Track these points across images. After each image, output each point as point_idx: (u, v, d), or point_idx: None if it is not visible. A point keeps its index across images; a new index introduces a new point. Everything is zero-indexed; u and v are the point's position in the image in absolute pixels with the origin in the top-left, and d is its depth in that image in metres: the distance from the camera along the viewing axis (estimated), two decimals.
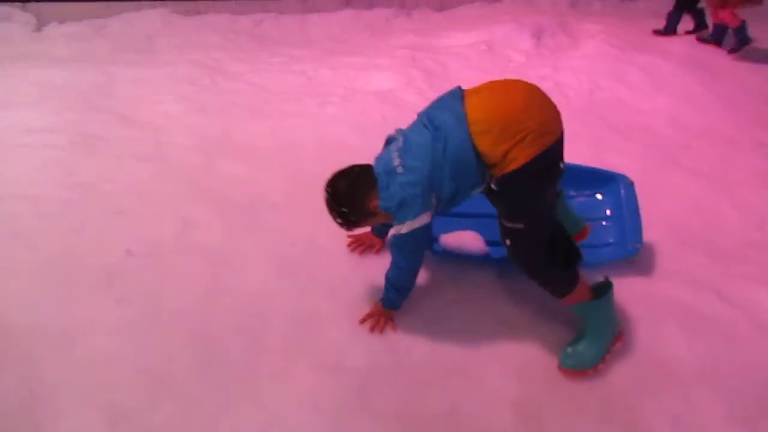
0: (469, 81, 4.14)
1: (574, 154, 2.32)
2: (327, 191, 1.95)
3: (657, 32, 5.64)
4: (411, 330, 2.11)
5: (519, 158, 1.72)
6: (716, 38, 5.32)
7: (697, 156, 3.39)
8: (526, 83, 1.84)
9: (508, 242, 1.86)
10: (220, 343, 2.01)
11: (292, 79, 4.22)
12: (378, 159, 1.95)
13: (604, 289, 2.02)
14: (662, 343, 2.13)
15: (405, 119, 3.41)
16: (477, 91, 1.85)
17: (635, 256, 2.45)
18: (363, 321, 2.14)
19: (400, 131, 1.95)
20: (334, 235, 2.52)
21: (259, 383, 1.88)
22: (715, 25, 5.32)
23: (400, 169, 1.82)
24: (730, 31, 5.17)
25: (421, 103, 3.76)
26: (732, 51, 5.10)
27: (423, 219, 1.85)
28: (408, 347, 2.05)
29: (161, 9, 5.28)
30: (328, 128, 3.47)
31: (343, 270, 2.37)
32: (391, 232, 1.93)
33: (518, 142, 1.72)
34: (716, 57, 5.02)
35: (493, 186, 1.85)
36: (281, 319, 2.13)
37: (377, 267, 2.33)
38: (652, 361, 2.05)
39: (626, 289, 2.28)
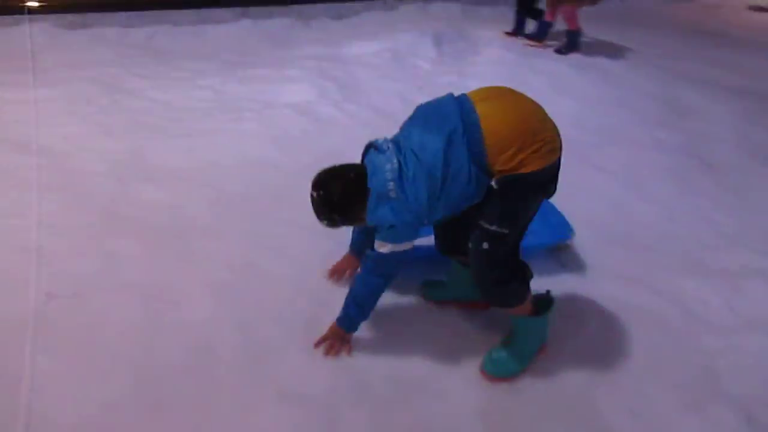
0: (381, 90, 4.21)
1: None
2: (318, 193, 1.82)
3: (507, 33, 5.86)
4: (369, 350, 2.07)
5: (530, 165, 1.72)
6: (539, 35, 5.61)
7: (606, 156, 3.58)
8: (524, 95, 1.85)
9: (485, 246, 1.81)
10: (168, 384, 1.88)
11: (200, 94, 4.05)
12: (371, 173, 1.79)
13: (545, 305, 2.06)
14: (607, 339, 2.21)
15: (325, 132, 3.38)
16: (484, 108, 1.75)
17: (570, 239, 2.56)
18: (318, 345, 2.07)
19: (388, 143, 1.82)
20: (271, 256, 2.44)
21: (218, 423, 1.77)
22: (540, 22, 5.60)
23: (392, 194, 1.74)
24: (564, 31, 5.48)
25: (339, 116, 3.79)
26: (558, 51, 5.40)
27: (406, 246, 1.82)
28: (368, 368, 2.01)
29: (42, 23, 4.91)
30: (247, 145, 3.36)
31: (287, 292, 2.29)
32: (375, 245, 1.86)
33: (534, 152, 1.72)
34: (611, 62, 5.31)
35: (494, 184, 1.77)
36: (231, 352, 2.02)
37: (323, 286, 2.27)
38: (601, 359, 2.12)
39: (561, 289, 2.35)
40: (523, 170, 1.73)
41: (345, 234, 2.24)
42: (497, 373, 2.00)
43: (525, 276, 1.97)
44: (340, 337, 2.05)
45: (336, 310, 2.02)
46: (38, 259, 2.31)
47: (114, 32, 5.06)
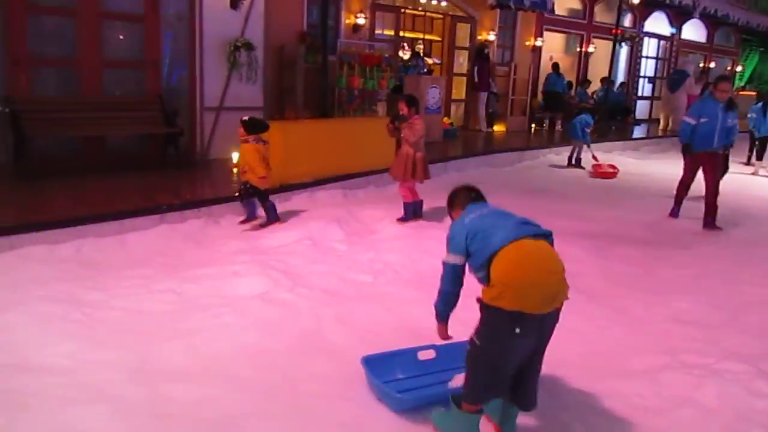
0: (320, 274, 4.87)
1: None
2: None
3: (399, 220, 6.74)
4: None
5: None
6: (411, 215, 6.72)
7: None
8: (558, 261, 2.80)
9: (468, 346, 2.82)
10: None
11: (163, 297, 4.42)
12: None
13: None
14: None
15: (295, 315, 3.97)
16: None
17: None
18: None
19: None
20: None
21: None
22: (406, 205, 6.73)
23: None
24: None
25: (298, 300, 4.40)
26: (401, 220, 6.62)
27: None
28: None
29: None
30: (237, 336, 3.81)
31: None
32: None
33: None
34: None
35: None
36: None
37: None
38: None
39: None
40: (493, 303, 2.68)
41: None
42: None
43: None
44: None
45: None
46: None
47: (41, 249, 5.26)
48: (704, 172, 7.49)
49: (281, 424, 2.99)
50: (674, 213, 7.95)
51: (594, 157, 11.41)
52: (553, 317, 2.76)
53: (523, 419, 3.06)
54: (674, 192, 8.01)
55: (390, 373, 3.41)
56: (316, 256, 5.46)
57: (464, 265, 2.93)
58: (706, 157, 7.36)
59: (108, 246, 5.56)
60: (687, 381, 3.48)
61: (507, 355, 2.73)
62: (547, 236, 2.89)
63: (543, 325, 2.72)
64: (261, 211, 6.44)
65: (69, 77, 8.05)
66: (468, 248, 2.85)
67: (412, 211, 6.78)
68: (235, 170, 7.34)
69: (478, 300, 2.77)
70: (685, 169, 7.80)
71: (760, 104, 12.72)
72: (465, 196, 3.20)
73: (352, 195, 7.94)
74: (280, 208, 7.06)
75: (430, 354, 3.58)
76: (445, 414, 3.01)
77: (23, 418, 2.88)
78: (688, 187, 7.81)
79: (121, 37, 8.45)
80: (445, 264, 2.99)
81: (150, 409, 3.03)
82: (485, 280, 2.77)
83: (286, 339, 3.84)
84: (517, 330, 2.64)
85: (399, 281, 5.03)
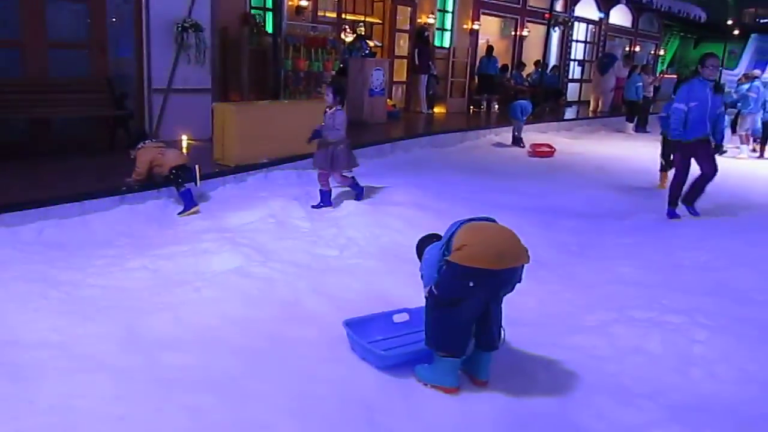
0: (289, 249, 5.04)
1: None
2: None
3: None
4: None
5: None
6: (326, 202, 6.57)
7: None
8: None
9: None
10: None
11: (138, 275, 4.53)
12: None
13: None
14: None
15: (272, 288, 4.17)
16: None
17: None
18: None
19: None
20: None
21: None
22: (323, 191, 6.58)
23: None
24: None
25: (273, 273, 4.59)
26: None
27: None
28: None
29: None
30: (219, 308, 3.99)
31: None
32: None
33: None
34: (439, 202, 6.78)
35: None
36: None
37: None
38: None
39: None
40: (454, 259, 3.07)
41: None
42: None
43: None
44: None
45: None
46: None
47: (1, 233, 5.23)
48: (700, 161, 6.82)
49: (275, 384, 3.21)
50: (674, 214, 7.00)
51: (520, 141, 12.08)
52: (508, 274, 3.17)
53: (491, 370, 3.39)
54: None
55: (369, 335, 3.67)
56: (282, 233, 5.64)
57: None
58: (700, 146, 6.71)
59: (71, 227, 5.56)
60: (634, 333, 3.90)
61: (463, 302, 3.14)
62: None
63: (499, 279, 3.15)
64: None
65: (13, 58, 7.84)
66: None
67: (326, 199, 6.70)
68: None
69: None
70: (678, 165, 7.04)
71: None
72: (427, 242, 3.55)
73: (306, 175, 8.06)
74: (237, 189, 7.19)
75: (404, 317, 3.86)
76: (427, 366, 3.32)
77: (26, 387, 2.99)
78: (683, 183, 6.93)
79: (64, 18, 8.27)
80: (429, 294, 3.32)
81: (149, 375, 3.19)
82: (447, 247, 3.20)
83: (267, 309, 4.05)
84: (471, 284, 3.07)
85: (363, 254, 5.28)
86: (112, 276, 4.52)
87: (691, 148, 6.73)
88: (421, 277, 3.39)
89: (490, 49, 16.77)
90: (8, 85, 7.61)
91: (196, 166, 6.56)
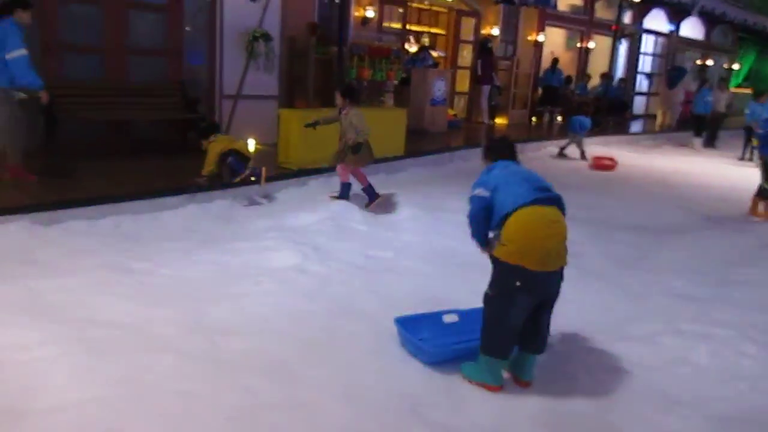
0: (345, 251, 5.27)
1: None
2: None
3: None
4: None
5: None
6: (342, 195, 6.90)
7: None
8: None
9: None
10: None
11: (205, 267, 4.83)
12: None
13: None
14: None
15: (329, 284, 4.46)
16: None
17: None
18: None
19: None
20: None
21: None
22: (342, 184, 6.92)
23: None
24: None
25: (329, 272, 4.85)
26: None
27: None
28: None
29: (18, 222, 5.37)
30: (280, 301, 4.25)
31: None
32: None
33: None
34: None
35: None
36: None
37: None
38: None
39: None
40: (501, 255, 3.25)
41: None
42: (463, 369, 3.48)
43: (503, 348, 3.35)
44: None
45: None
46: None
47: (83, 224, 5.64)
48: None
49: (325, 372, 3.41)
50: None
51: (582, 154, 11.93)
52: (552, 277, 3.29)
53: (536, 372, 3.49)
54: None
55: (419, 332, 3.83)
56: (339, 234, 5.87)
57: (490, 199, 3.34)
58: None
59: (144, 222, 5.95)
60: (681, 344, 3.92)
61: (511, 306, 3.25)
62: (558, 200, 3.33)
63: (544, 282, 3.25)
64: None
65: (96, 64, 8.42)
66: (491, 192, 3.33)
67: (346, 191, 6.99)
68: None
69: (491, 256, 3.37)
70: None
71: None
72: (500, 150, 3.65)
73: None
74: (299, 191, 7.47)
75: (454, 318, 4.00)
76: (473, 364, 3.45)
77: (104, 360, 3.29)
78: None
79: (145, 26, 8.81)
80: (472, 198, 3.44)
81: (210, 356, 3.45)
82: (498, 237, 3.31)
83: (321, 303, 4.27)
84: (518, 283, 3.19)
85: (417, 257, 5.44)
86: (180, 266, 4.84)
87: None
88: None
89: (555, 60, 16.69)
90: (91, 89, 8.18)
91: (263, 168, 6.88)
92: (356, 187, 7.47)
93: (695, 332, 4.08)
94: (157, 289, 4.36)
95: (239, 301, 4.18)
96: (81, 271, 4.56)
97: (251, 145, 7.30)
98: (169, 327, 3.76)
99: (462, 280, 4.81)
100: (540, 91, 16.85)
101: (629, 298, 4.82)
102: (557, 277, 3.32)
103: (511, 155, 3.62)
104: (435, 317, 3.99)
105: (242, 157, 6.74)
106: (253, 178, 6.82)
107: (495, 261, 3.36)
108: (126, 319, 3.82)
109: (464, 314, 3.97)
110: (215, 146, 6.70)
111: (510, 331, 3.32)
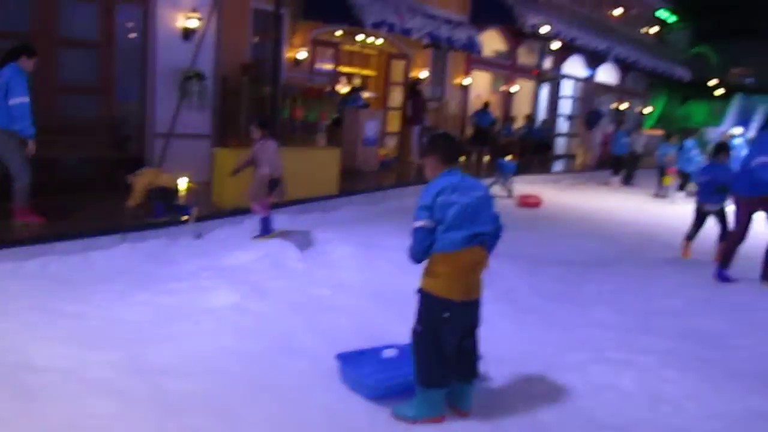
0: (285, 288, 5.27)
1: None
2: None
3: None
4: None
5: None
6: (265, 231, 6.99)
7: None
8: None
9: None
10: None
11: (140, 308, 4.74)
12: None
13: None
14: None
15: (269, 322, 4.43)
16: None
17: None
18: None
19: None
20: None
21: None
22: (261, 219, 6.98)
23: None
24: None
25: (269, 311, 4.81)
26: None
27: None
28: None
29: None
30: (222, 341, 4.22)
31: None
32: None
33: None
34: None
35: None
36: None
37: None
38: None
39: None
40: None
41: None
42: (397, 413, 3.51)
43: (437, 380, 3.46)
44: None
45: None
46: None
47: (8, 267, 5.45)
48: None
49: (270, 411, 3.43)
50: (725, 276, 6.73)
51: (509, 193, 12.46)
52: (475, 305, 3.54)
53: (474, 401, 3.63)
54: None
55: (360, 368, 3.90)
56: (277, 272, 5.88)
57: (434, 228, 3.41)
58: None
59: (73, 263, 5.79)
60: (608, 371, 4.16)
61: (441, 336, 3.43)
62: (488, 240, 3.53)
63: (469, 311, 3.50)
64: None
65: None
66: (435, 222, 3.42)
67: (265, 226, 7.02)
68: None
69: (418, 290, 3.54)
70: (741, 222, 6.68)
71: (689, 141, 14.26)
72: (446, 155, 3.55)
73: (298, 219, 8.39)
74: (234, 230, 7.45)
75: (393, 352, 4.09)
76: (408, 403, 3.55)
77: (38, 407, 3.20)
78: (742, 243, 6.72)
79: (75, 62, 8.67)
80: (416, 230, 3.44)
81: (153, 400, 3.41)
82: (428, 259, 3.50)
83: (263, 342, 4.29)
84: (446, 314, 3.39)
85: (355, 294, 5.52)
86: (115, 308, 4.74)
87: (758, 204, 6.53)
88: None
89: (486, 103, 17.33)
90: None
91: (195, 208, 6.85)
92: (290, 224, 7.55)
93: (620, 360, 4.33)
94: (93, 331, 4.26)
95: (179, 342, 4.14)
96: (10, 315, 4.40)
97: (183, 183, 7.25)
98: (110, 370, 3.69)
99: (399, 316, 4.86)
100: (473, 130, 17.43)
101: (559, 330, 5.06)
102: (479, 304, 3.56)
103: (456, 160, 3.58)
104: (375, 352, 4.07)
105: (168, 194, 6.76)
106: (185, 217, 6.79)
107: (422, 294, 3.52)
108: (63, 363, 3.71)
109: (403, 348, 4.07)
110: (141, 179, 6.71)
111: (444, 359, 3.48)
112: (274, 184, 6.88)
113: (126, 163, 8.57)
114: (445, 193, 3.40)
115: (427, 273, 3.49)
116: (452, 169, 3.52)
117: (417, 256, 3.51)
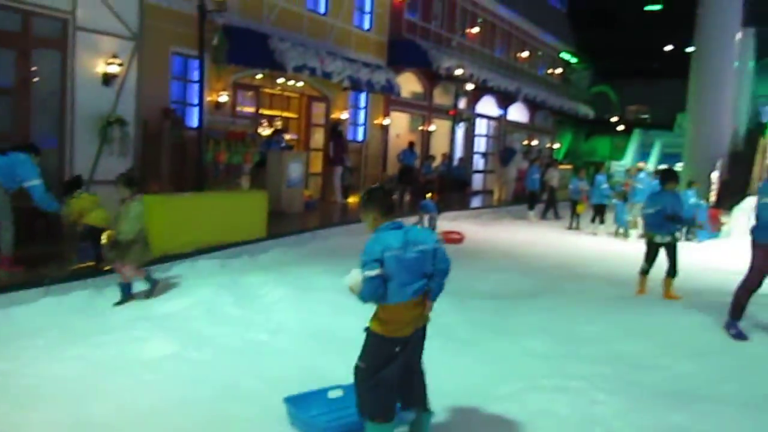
0: (220, 335, 5.25)
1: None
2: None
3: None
4: None
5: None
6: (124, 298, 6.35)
7: None
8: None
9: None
10: None
11: (72, 364, 4.59)
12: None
13: None
14: None
15: (211, 370, 4.41)
16: None
17: None
18: None
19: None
20: None
21: None
22: (121, 285, 6.37)
23: None
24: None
25: (209, 358, 4.77)
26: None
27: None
28: None
29: None
30: (165, 392, 4.16)
31: None
32: None
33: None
34: None
35: None
36: None
37: None
38: None
39: None
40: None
41: None
42: None
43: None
44: None
45: None
46: None
47: None
48: None
49: None
50: (738, 330, 5.90)
51: (433, 229, 12.79)
52: (419, 334, 3.70)
53: None
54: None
55: (308, 410, 3.94)
56: (213, 319, 5.83)
57: (384, 275, 3.48)
58: None
59: None
60: (543, 398, 4.37)
61: (386, 369, 3.53)
62: (434, 286, 3.72)
63: (414, 340, 3.66)
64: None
65: None
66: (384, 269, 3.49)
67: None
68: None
69: (367, 329, 3.63)
70: (758, 269, 5.84)
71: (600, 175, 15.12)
72: (383, 208, 3.64)
73: (228, 264, 8.32)
74: (163, 277, 7.31)
75: (339, 393, 4.16)
76: None
77: None
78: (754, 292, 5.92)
79: None
80: (366, 280, 3.46)
81: None
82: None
83: (206, 390, 4.24)
84: (397, 349, 3.55)
85: (294, 337, 5.54)
86: (45, 365, 4.57)
87: None
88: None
89: (411, 143, 17.75)
90: None
91: (157, 281, 6.70)
92: (220, 269, 7.48)
93: (554, 386, 4.56)
94: (25, 390, 4.09)
95: (121, 397, 4.04)
96: None
97: (104, 237, 6.87)
98: (50, 430, 3.56)
99: (339, 356, 4.96)
100: (398, 170, 17.79)
101: (495, 361, 5.25)
102: (423, 332, 3.72)
103: (392, 211, 3.69)
104: (321, 394, 4.13)
105: (97, 237, 6.59)
106: (146, 287, 6.61)
107: (371, 334, 3.60)
108: (1, 426, 3.57)
109: (348, 388, 4.14)
110: (77, 203, 6.89)
111: (391, 390, 3.58)
112: (128, 246, 6.36)
113: (44, 213, 8.27)
114: (392, 249, 3.51)
115: (376, 317, 3.61)
116: (394, 222, 3.64)
117: (368, 300, 3.60)
